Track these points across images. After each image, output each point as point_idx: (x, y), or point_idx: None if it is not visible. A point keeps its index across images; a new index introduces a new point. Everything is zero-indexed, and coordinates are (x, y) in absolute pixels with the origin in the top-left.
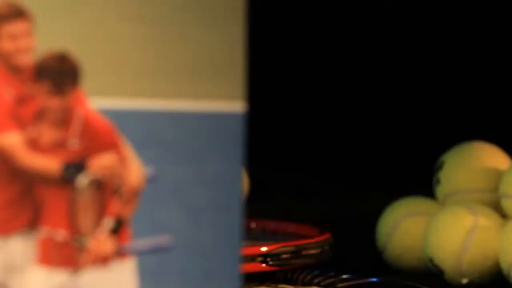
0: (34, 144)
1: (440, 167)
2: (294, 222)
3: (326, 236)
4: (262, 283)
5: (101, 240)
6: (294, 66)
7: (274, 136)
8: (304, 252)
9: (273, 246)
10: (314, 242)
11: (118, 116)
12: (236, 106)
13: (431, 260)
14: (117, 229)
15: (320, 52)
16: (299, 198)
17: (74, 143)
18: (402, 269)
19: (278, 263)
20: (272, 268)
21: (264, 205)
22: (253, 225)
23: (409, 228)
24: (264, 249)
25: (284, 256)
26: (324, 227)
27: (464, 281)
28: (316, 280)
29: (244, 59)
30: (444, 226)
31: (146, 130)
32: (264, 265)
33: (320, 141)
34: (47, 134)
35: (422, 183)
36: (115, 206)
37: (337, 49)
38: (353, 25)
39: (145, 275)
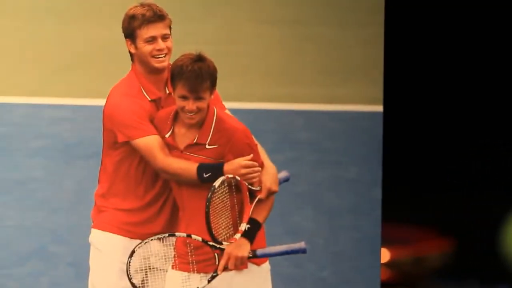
0: (171, 146)
1: None
2: (415, 227)
3: (449, 241)
4: None
5: (237, 244)
6: (425, 68)
7: (392, 140)
8: (425, 258)
9: (393, 252)
10: (436, 248)
11: (253, 119)
12: (376, 107)
13: None
14: (254, 233)
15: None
16: (420, 202)
17: (211, 145)
18: None
19: (398, 269)
20: (392, 275)
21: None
22: None
23: None
24: (384, 255)
25: (405, 262)
26: (446, 232)
27: None
28: None
29: (383, 61)
30: None
31: (280, 132)
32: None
33: (439, 145)
34: (184, 135)
35: None
36: (252, 210)
37: (473, 53)
38: (494, 30)
39: (281, 279)
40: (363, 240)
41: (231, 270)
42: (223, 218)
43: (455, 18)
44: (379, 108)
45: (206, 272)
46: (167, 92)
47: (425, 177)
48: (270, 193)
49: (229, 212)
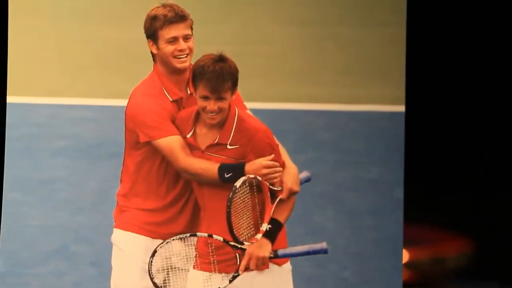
0: (192, 146)
1: None
2: (435, 228)
3: (468, 242)
4: None
5: (258, 244)
6: (447, 68)
7: (414, 140)
8: (445, 259)
9: (412, 253)
10: (455, 249)
11: (274, 119)
12: (397, 107)
13: None
14: (275, 233)
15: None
16: (440, 203)
17: (232, 145)
18: None
19: (417, 270)
20: (411, 275)
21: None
22: None
23: None
24: (403, 256)
25: (424, 263)
26: (466, 233)
27: None
28: None
29: (405, 60)
30: None
31: (301, 133)
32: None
33: (462, 146)
34: (205, 136)
35: None
36: (273, 210)
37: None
38: None
39: (302, 279)
40: (385, 240)
41: (252, 270)
42: (244, 218)
43: (477, 17)
44: (401, 108)
45: (227, 272)
46: (189, 92)
47: (446, 178)
48: (292, 193)
49: (250, 212)
